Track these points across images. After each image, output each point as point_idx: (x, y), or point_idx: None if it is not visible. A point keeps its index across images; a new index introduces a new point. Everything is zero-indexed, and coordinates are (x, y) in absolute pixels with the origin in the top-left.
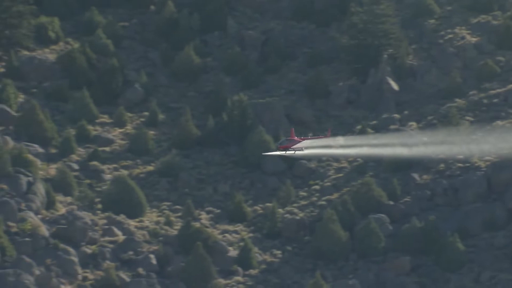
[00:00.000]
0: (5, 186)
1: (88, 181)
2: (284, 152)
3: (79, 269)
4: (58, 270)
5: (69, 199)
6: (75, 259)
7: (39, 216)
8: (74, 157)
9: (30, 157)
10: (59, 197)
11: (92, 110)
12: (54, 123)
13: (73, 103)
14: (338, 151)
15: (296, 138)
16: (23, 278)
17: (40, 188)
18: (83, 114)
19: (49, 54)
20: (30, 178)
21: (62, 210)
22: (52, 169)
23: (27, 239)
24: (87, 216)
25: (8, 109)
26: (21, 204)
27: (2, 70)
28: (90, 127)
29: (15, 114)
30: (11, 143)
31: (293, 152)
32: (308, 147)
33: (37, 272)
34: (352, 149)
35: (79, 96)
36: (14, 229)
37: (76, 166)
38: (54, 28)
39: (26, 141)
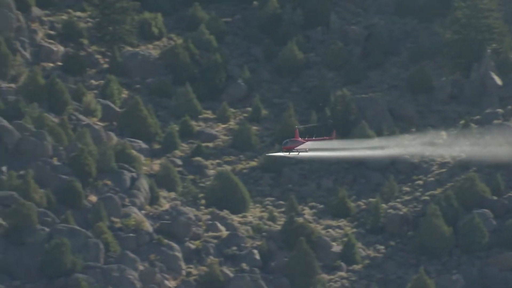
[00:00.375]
0: (109, 182)
1: (191, 176)
2: (287, 153)
3: (183, 265)
4: (162, 265)
5: (172, 194)
6: (179, 254)
7: (143, 211)
8: (178, 152)
9: (134, 152)
10: (163, 193)
11: (196, 106)
12: (157, 118)
13: (176, 98)
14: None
15: (300, 139)
16: (127, 273)
17: (144, 183)
18: (187, 109)
19: (152, 50)
20: (134, 174)
21: (166, 205)
22: (156, 165)
23: (131, 234)
24: (190, 212)
25: (112, 105)
26: (125, 199)
27: (106, 66)
28: (193, 123)
29: (118, 110)
30: (115, 139)
31: (297, 153)
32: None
33: (141, 267)
34: (454, 146)
35: (182, 91)
36: (118, 225)
37: (179, 162)
38: (157, 24)
39: (130, 137)
